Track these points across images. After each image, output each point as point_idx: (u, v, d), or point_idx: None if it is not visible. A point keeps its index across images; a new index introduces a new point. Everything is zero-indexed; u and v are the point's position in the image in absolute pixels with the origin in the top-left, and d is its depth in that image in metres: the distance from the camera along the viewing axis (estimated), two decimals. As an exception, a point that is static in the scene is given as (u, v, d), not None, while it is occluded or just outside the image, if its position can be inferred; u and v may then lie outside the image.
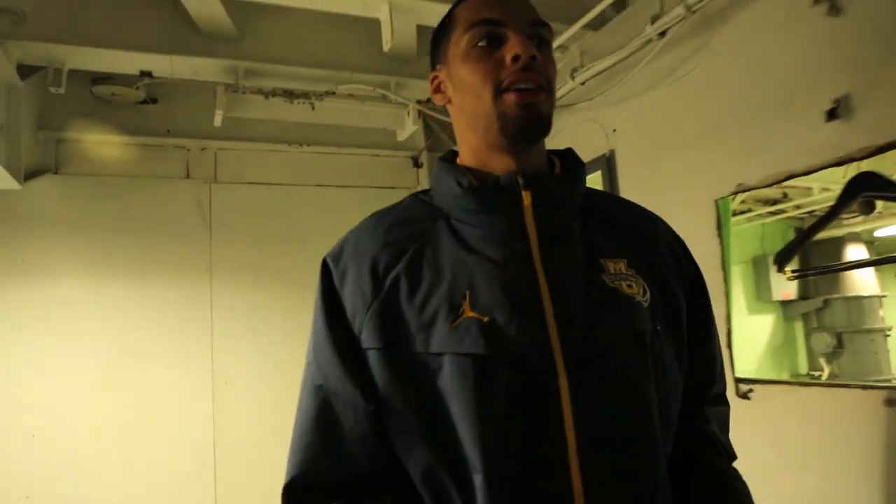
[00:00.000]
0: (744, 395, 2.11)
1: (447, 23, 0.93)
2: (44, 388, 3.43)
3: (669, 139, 2.48)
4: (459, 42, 0.89)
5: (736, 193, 2.22)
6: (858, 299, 5.93)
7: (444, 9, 2.55)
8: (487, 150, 0.90)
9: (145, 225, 3.72)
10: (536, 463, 0.76)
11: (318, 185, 4.07)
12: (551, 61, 0.90)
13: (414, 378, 0.80)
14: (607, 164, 2.76)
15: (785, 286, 6.03)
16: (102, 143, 3.64)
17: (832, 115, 1.87)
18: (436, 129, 4.00)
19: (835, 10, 1.90)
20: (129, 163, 3.73)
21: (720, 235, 2.26)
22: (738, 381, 2.15)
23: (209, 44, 3.01)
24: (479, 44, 0.86)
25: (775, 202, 4.85)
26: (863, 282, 6.05)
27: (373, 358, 0.82)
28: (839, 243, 6.10)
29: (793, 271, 2.00)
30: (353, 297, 0.86)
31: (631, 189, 2.68)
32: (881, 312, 5.95)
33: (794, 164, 2.01)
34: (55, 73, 2.94)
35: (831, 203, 3.71)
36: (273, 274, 3.89)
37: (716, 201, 2.28)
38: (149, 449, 3.57)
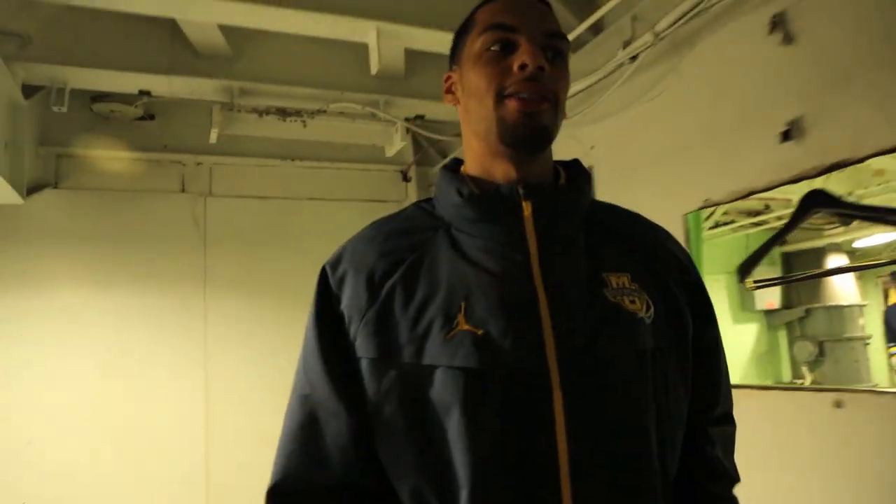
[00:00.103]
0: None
1: (466, 24, 0.92)
2: (41, 396, 3.54)
3: (642, 156, 2.62)
4: (473, 44, 0.88)
5: (702, 208, 2.37)
6: (839, 308, 6.09)
7: (429, 35, 2.71)
8: (490, 156, 0.89)
9: (142, 237, 3.85)
10: (526, 481, 0.75)
11: (310, 199, 4.21)
12: (563, 75, 0.88)
13: (405, 389, 0.78)
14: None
15: (768, 296, 6.18)
16: (101, 158, 3.77)
17: (786, 136, 2.02)
18: (424, 144, 4.15)
19: (788, 38, 2.06)
20: (126, 177, 3.86)
21: (689, 248, 2.40)
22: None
23: (206, 64, 3.16)
24: (492, 48, 0.85)
25: (757, 213, 5.00)
26: (844, 291, 6.21)
27: (365, 367, 0.81)
28: (820, 253, 6.26)
29: (755, 281, 2.12)
30: (349, 303, 0.85)
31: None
32: (861, 321, 6.11)
33: (754, 181, 2.16)
34: (58, 92, 3.08)
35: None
36: (266, 285, 4.03)
37: (684, 215, 2.42)
38: (143, 456, 3.67)
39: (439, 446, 0.77)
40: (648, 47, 2.43)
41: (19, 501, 3.41)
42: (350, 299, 0.85)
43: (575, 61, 2.88)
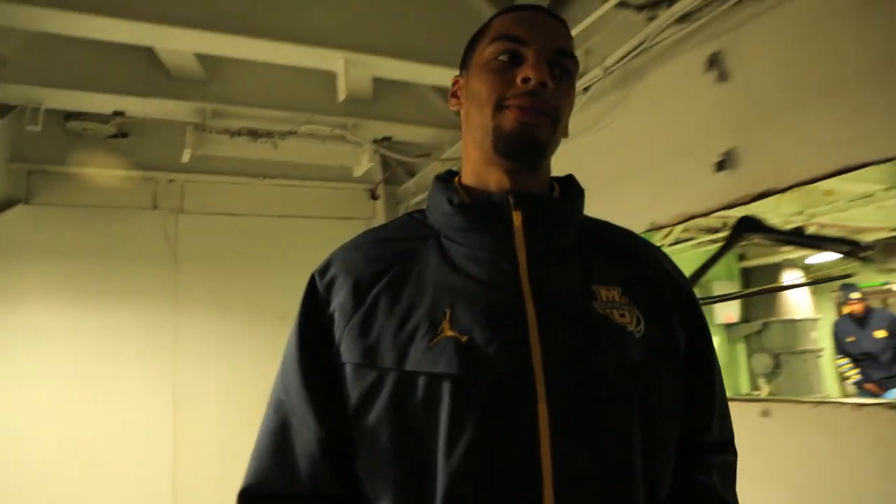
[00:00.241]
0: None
1: (481, 31, 0.92)
2: (8, 411, 3.56)
3: (593, 181, 2.76)
4: (483, 52, 0.87)
5: (649, 231, 2.54)
6: (794, 322, 6.35)
7: (397, 64, 2.84)
8: (485, 165, 0.88)
9: (113, 253, 3.91)
10: (505, 493, 0.74)
11: (280, 216, 4.31)
12: (567, 93, 0.87)
13: (387, 395, 0.77)
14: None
15: (727, 309, 6.40)
16: (73, 175, 3.84)
17: (720, 166, 2.20)
18: (392, 163, 4.29)
19: (723, 76, 2.25)
20: (98, 194, 3.93)
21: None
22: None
23: (179, 87, 3.26)
24: (499, 58, 0.85)
25: (716, 230, 5.22)
26: (798, 306, 6.48)
27: (349, 372, 0.80)
28: (776, 269, 6.52)
29: (701, 298, 2.28)
30: (336, 307, 0.84)
31: (563, 224, 2.98)
32: (814, 335, 6.37)
33: (693, 206, 2.33)
34: (32, 111, 3.15)
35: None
36: (237, 300, 4.11)
37: (632, 237, 2.59)
38: (111, 470, 3.72)
39: (419, 455, 0.76)
40: (599, 80, 2.61)
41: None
42: (337, 304, 0.84)
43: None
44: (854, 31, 1.83)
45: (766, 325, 6.56)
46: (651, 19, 2.37)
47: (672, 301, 0.89)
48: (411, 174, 4.43)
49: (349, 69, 2.76)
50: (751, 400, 2.01)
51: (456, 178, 0.95)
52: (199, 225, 4.13)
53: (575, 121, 2.81)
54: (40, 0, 2.32)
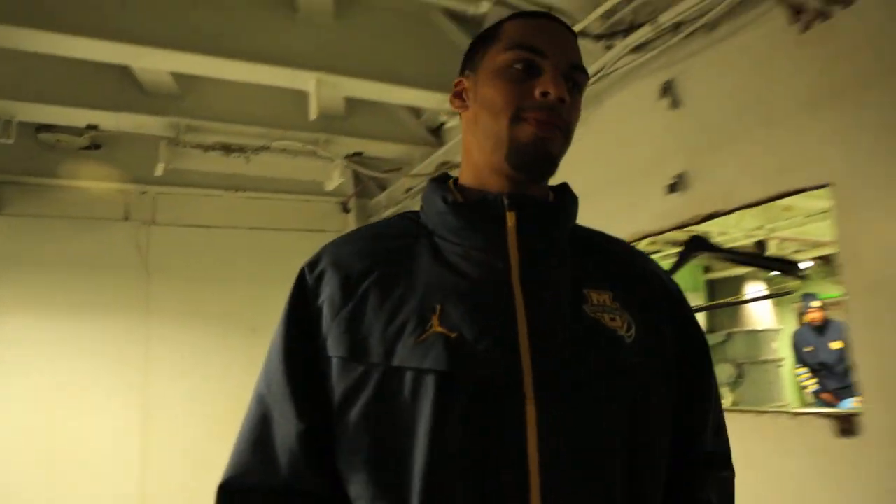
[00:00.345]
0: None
1: (491, 33, 0.90)
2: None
3: (557, 199, 2.91)
4: (497, 58, 0.86)
5: (608, 247, 2.65)
6: (756, 333, 6.54)
7: (368, 85, 2.93)
8: (489, 170, 0.88)
9: (85, 264, 3.93)
10: (490, 494, 0.73)
11: (252, 228, 4.37)
12: (577, 107, 0.88)
13: (372, 390, 0.77)
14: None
15: (692, 320, 6.56)
16: (45, 186, 3.86)
17: (672, 188, 2.33)
18: (364, 178, 4.37)
19: (675, 103, 2.38)
20: (70, 205, 3.95)
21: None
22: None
23: (153, 102, 3.31)
24: (516, 66, 0.84)
25: (682, 244, 5.37)
26: (760, 316, 6.67)
27: (335, 366, 0.80)
28: (740, 281, 6.72)
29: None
30: (325, 300, 0.83)
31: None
32: (774, 345, 6.56)
33: (648, 226, 2.46)
34: (4, 124, 3.17)
35: (731, 244, 4.25)
36: (208, 312, 4.15)
37: (592, 254, 2.71)
38: (78, 480, 3.73)
39: (401, 451, 0.75)
40: (561, 103, 2.72)
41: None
42: (326, 297, 0.83)
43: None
44: (793, 65, 1.97)
45: (729, 336, 6.74)
46: (608, 48, 2.49)
47: (664, 309, 0.90)
48: (383, 188, 4.51)
49: (321, 89, 2.85)
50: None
51: (450, 181, 0.94)
52: (171, 237, 4.17)
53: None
54: (18, 20, 2.36)
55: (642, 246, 4.74)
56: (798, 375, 5.97)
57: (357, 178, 4.43)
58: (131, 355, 3.97)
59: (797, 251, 5.55)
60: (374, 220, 4.57)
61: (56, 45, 2.54)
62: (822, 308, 5.63)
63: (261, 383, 0.88)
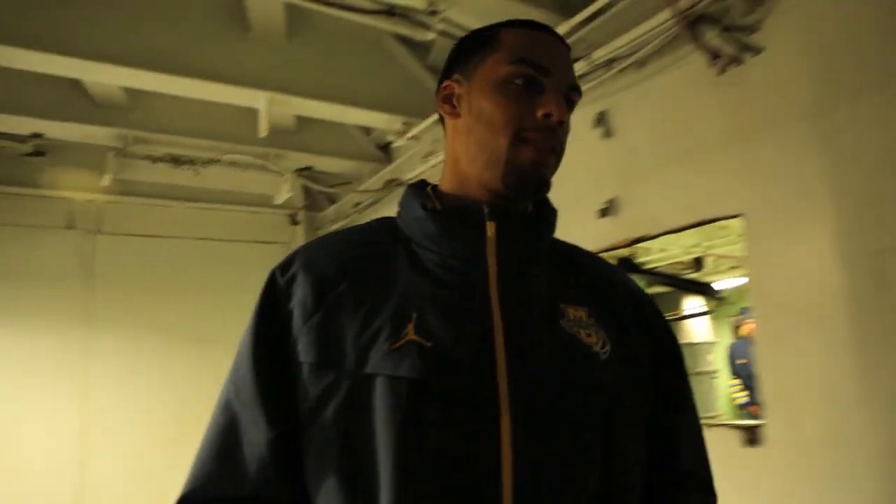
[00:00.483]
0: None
1: (488, 38, 0.87)
2: None
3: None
4: (496, 69, 0.83)
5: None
6: (693, 345, 6.81)
7: (320, 106, 3.00)
8: (476, 183, 0.86)
9: (25, 273, 3.86)
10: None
11: (200, 239, 4.36)
12: (569, 127, 0.87)
13: (343, 398, 0.75)
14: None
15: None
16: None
17: (604, 213, 2.49)
18: (313, 192, 4.43)
19: (608, 133, 2.54)
20: (10, 212, 3.88)
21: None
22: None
23: (102, 113, 3.31)
24: (516, 81, 0.82)
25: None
26: (698, 330, 6.95)
27: (305, 372, 0.78)
28: (678, 296, 6.98)
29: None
30: (296, 304, 0.81)
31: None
32: (710, 357, 6.84)
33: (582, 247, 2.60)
34: (-55, 130, 3.14)
35: (671, 261, 4.45)
36: (153, 322, 4.13)
37: (531, 272, 2.84)
38: (13, 491, 3.65)
39: (372, 462, 0.73)
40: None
41: None
42: (297, 301, 0.81)
43: (446, 132, 3.31)
44: (711, 105, 2.14)
45: (667, 348, 6.96)
46: (548, 79, 2.63)
47: (640, 327, 0.89)
48: (332, 201, 4.58)
49: (272, 107, 2.91)
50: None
51: (429, 187, 0.92)
52: (117, 246, 4.14)
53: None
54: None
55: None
56: (731, 387, 6.24)
57: (306, 191, 4.48)
58: (71, 366, 3.92)
59: (732, 267, 5.83)
60: (321, 232, 4.64)
61: (4, 58, 2.54)
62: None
63: (227, 389, 0.84)
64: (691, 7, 2.00)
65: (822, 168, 1.78)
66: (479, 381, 0.74)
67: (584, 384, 0.78)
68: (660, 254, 5.10)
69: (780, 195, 1.91)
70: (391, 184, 3.67)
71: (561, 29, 2.40)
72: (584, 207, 2.57)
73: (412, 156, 3.43)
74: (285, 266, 0.86)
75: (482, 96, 0.84)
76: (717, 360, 6.82)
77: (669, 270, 4.75)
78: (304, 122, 3.66)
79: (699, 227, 2.31)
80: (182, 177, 3.70)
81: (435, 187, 0.92)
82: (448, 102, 0.89)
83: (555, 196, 0.91)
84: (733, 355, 6.10)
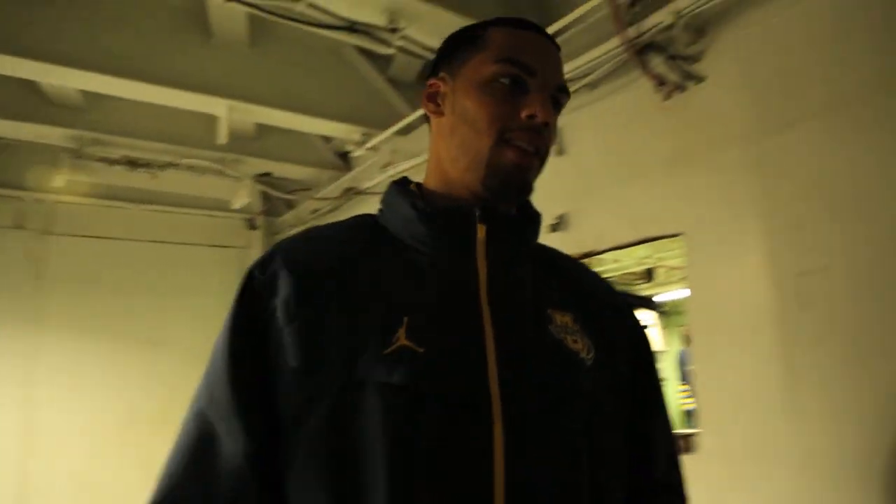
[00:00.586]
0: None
1: (475, 37, 0.85)
2: None
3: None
4: (482, 68, 0.82)
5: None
6: (643, 354, 6.98)
7: (280, 115, 3.03)
8: (459, 183, 0.84)
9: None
10: None
11: (155, 242, 4.31)
12: (556, 129, 0.86)
13: (331, 405, 0.71)
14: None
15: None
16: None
17: (554, 228, 2.58)
18: (272, 197, 4.44)
19: (561, 150, 2.63)
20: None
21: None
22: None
23: (57, 113, 3.26)
24: (502, 80, 0.80)
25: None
26: (650, 339, 7.11)
27: (288, 377, 0.74)
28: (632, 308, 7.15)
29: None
30: (278, 306, 0.76)
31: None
32: (660, 365, 7.00)
33: (534, 259, 2.69)
34: None
35: (624, 271, 4.58)
36: (104, 326, 4.06)
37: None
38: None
39: (361, 472, 0.70)
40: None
41: None
42: (279, 301, 0.76)
43: (405, 143, 3.37)
44: (656, 128, 2.25)
45: (619, 357, 7.11)
46: (504, 96, 2.72)
47: (618, 333, 0.89)
48: (290, 206, 4.59)
49: (232, 115, 2.93)
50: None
51: (412, 184, 0.90)
52: (68, 247, 4.06)
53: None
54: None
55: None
56: (679, 393, 6.42)
57: (265, 196, 4.49)
58: (16, 369, 3.83)
59: (683, 279, 5.98)
60: (279, 237, 4.64)
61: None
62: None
63: (200, 398, 0.78)
64: (639, 36, 2.11)
65: (753, 193, 1.90)
66: (473, 389, 0.72)
67: (571, 391, 0.78)
68: (613, 264, 5.23)
69: (717, 217, 2.03)
70: (349, 192, 3.72)
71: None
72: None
73: (370, 165, 3.48)
74: (264, 263, 0.81)
75: (466, 95, 0.82)
76: (667, 368, 7.02)
77: (621, 281, 4.88)
78: (263, 128, 3.67)
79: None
80: (138, 180, 3.67)
81: (420, 185, 0.90)
82: (432, 101, 0.88)
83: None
84: (682, 362, 6.27)
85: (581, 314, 0.84)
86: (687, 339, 6.60)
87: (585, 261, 2.52)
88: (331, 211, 4.01)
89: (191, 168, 3.70)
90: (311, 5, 2.26)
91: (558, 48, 0.87)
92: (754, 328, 1.85)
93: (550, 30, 2.47)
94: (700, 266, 2.09)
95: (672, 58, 2.12)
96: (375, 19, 2.38)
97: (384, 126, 3.27)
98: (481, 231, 0.81)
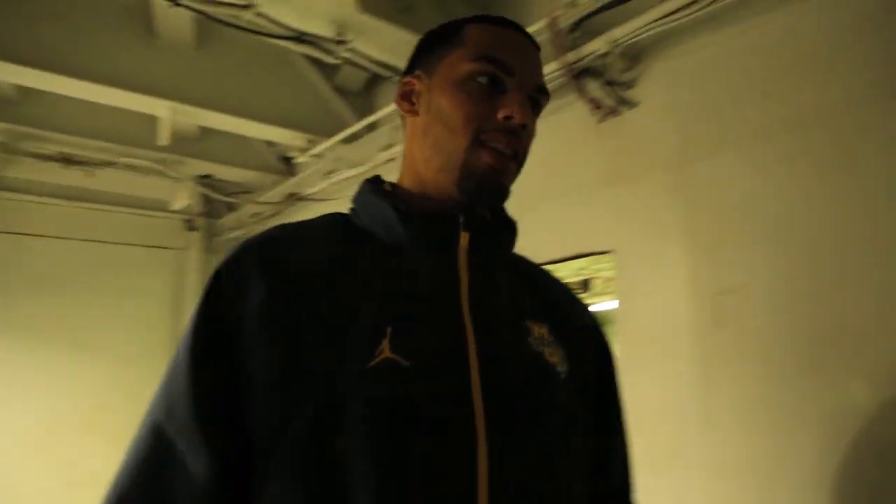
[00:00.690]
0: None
1: (452, 34, 0.83)
2: None
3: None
4: (458, 66, 0.79)
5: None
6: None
7: (223, 118, 3.02)
8: (433, 184, 0.82)
9: None
10: None
11: (87, 241, 4.17)
12: (534, 131, 0.84)
13: (308, 420, 0.67)
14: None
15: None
16: None
17: (493, 241, 2.65)
18: (213, 198, 4.38)
19: (502, 167, 2.71)
20: None
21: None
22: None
23: (-14, 105, 3.15)
24: (479, 79, 0.78)
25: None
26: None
27: (260, 390, 0.69)
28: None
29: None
30: (249, 312, 0.71)
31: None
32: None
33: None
34: None
35: (562, 281, 4.69)
36: (30, 327, 3.90)
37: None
38: None
39: (343, 489, 0.65)
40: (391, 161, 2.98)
41: None
42: (250, 306, 0.71)
43: (348, 151, 3.39)
44: (591, 149, 2.36)
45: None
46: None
47: (587, 346, 0.89)
48: (231, 209, 4.54)
49: (175, 117, 2.90)
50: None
51: (385, 184, 0.87)
52: (-3, 245, 3.91)
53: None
54: None
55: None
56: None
57: (206, 198, 4.42)
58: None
59: (614, 292, 6.18)
60: (221, 239, 4.58)
61: None
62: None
63: (156, 409, 0.72)
64: (577, 61, 2.21)
65: (677, 215, 2.02)
66: (458, 404, 0.70)
67: (548, 403, 0.77)
68: (568, 274, 5.36)
69: (644, 236, 2.13)
70: (292, 197, 3.71)
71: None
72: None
73: (314, 172, 3.49)
74: (232, 263, 0.75)
75: (442, 94, 0.80)
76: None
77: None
78: (206, 130, 3.63)
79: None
80: (74, 178, 3.57)
81: (395, 185, 0.87)
82: (406, 99, 0.86)
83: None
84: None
85: (556, 326, 0.84)
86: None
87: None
88: (272, 215, 3.99)
89: (130, 167, 3.61)
90: (260, 14, 2.27)
91: (538, 48, 0.85)
92: (675, 343, 1.95)
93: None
94: (628, 282, 2.19)
95: (608, 83, 2.22)
96: (323, 31, 2.41)
97: (329, 134, 3.28)
98: (464, 238, 0.80)
